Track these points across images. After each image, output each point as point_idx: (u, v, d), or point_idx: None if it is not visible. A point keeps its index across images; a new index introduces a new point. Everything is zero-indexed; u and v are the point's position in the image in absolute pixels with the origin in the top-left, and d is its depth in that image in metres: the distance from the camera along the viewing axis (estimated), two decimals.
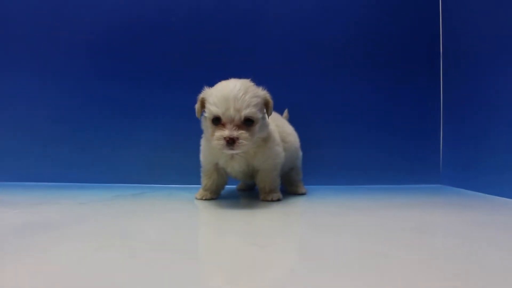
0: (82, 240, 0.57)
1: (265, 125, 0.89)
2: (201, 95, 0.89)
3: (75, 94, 1.32)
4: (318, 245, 0.56)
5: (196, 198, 0.98)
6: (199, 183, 1.01)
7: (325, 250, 0.52)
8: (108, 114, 1.31)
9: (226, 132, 0.80)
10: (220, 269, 0.44)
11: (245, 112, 0.80)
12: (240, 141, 0.80)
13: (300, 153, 1.14)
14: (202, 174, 1.00)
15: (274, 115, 1.07)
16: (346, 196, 1.07)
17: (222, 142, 0.80)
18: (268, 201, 0.94)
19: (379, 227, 0.67)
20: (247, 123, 0.82)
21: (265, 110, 0.89)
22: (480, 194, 1.09)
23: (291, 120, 1.13)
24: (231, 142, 0.79)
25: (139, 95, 1.31)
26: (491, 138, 1.07)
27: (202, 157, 0.99)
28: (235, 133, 0.79)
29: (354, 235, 0.61)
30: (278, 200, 0.95)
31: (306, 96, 1.31)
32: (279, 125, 1.03)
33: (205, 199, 0.96)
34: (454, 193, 1.14)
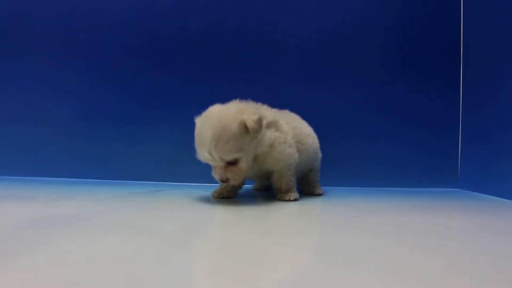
0: (99, 235, 0.57)
1: (261, 141, 0.88)
2: (196, 121, 0.91)
3: (95, 92, 1.33)
4: (335, 244, 0.55)
5: (213, 196, 0.98)
6: (216, 182, 1.01)
7: (341, 249, 0.52)
8: (126, 112, 1.33)
9: (217, 176, 0.87)
10: (237, 265, 0.44)
11: (223, 160, 0.84)
12: (231, 179, 0.86)
13: (320, 155, 1.14)
14: None
15: (292, 116, 1.07)
16: (363, 197, 1.07)
17: (217, 179, 0.89)
18: (285, 201, 0.94)
19: (396, 230, 0.67)
20: (232, 162, 0.85)
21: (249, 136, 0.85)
22: (498, 198, 1.08)
23: (309, 121, 1.12)
24: (224, 181, 0.87)
25: (157, 94, 1.32)
26: (510, 143, 1.06)
27: None
28: (224, 176, 0.86)
29: (370, 236, 0.61)
30: (295, 200, 0.95)
31: (324, 97, 1.31)
32: (296, 127, 1.02)
33: (222, 198, 0.97)
34: (471, 198, 1.13)
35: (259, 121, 0.85)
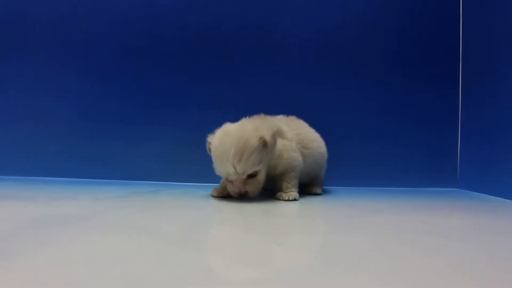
0: (99, 235, 0.57)
1: (273, 154, 0.92)
2: (208, 140, 0.94)
3: (95, 92, 1.33)
4: (335, 244, 0.55)
5: (213, 196, 0.98)
6: (216, 182, 1.01)
7: (341, 249, 0.52)
8: (126, 112, 1.33)
9: (235, 190, 0.89)
10: (237, 265, 0.44)
11: (246, 173, 0.87)
12: (250, 192, 0.90)
13: (325, 165, 1.15)
14: None
15: (299, 123, 1.09)
16: (363, 197, 1.07)
17: (235, 194, 0.90)
18: (284, 200, 0.94)
19: (396, 230, 0.67)
20: (252, 175, 0.88)
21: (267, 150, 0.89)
22: (498, 198, 1.08)
23: (309, 121, 1.12)
24: (242, 195, 0.90)
25: (157, 94, 1.32)
26: (509, 143, 1.06)
27: None
28: (243, 190, 0.89)
29: (370, 236, 0.61)
30: (295, 200, 0.95)
31: (324, 97, 1.31)
32: (301, 133, 1.04)
33: (222, 197, 0.97)
34: (471, 197, 1.13)
35: (274, 136, 0.90)
